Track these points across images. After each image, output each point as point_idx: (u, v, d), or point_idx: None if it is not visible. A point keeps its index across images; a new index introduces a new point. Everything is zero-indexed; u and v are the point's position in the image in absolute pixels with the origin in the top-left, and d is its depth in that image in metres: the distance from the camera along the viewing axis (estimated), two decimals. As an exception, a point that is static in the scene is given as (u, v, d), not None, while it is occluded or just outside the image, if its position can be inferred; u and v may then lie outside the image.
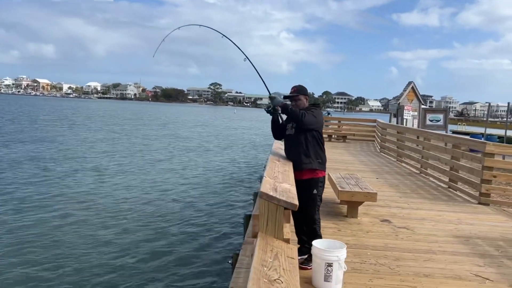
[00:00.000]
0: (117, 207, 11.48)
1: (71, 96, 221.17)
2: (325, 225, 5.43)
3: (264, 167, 13.94)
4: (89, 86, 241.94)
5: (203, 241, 9.20)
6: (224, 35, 5.75)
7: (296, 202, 2.58)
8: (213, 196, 13.57)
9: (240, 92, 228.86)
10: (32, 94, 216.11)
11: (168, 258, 8.11)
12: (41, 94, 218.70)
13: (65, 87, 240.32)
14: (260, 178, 11.80)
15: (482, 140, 12.26)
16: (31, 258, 7.74)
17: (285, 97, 4.56)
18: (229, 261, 5.99)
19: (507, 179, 8.76)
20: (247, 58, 5.27)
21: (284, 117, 4.68)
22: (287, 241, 2.49)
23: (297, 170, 4.22)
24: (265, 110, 4.69)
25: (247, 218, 6.73)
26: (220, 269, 7.66)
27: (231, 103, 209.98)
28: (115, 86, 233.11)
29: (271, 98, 4.53)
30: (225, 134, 40.80)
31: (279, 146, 5.53)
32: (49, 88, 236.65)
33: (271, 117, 4.68)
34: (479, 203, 7.88)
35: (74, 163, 18.26)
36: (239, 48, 5.44)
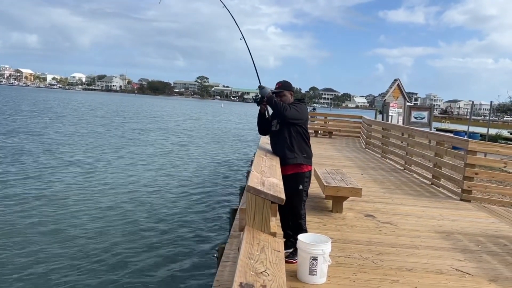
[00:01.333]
0: (99, 203, 11.37)
1: (55, 87, 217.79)
2: (310, 219, 5.48)
3: (251, 162, 13.98)
4: (73, 77, 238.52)
5: (188, 235, 9.20)
6: (224, 6, 5.71)
7: (283, 196, 2.61)
8: (199, 190, 13.55)
9: (227, 86, 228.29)
10: (15, 84, 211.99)
11: (153, 251, 8.08)
12: (24, 85, 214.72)
13: (49, 77, 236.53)
14: (247, 173, 11.84)
15: (465, 138, 12.48)
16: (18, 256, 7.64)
17: (272, 93, 4.56)
18: (215, 255, 6.02)
19: (489, 176, 8.96)
20: (243, 38, 5.28)
21: (271, 111, 4.68)
22: (273, 234, 2.52)
23: (282, 165, 4.23)
24: (253, 99, 4.70)
25: (233, 212, 6.78)
26: (206, 262, 7.68)
27: (218, 97, 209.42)
28: (101, 77, 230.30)
29: (260, 87, 4.54)
30: (212, 128, 40.70)
31: (266, 141, 5.55)
32: (32, 79, 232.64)
33: (258, 112, 4.69)
34: (461, 200, 8.04)
35: (54, 158, 18.01)
36: (237, 25, 5.44)
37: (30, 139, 22.26)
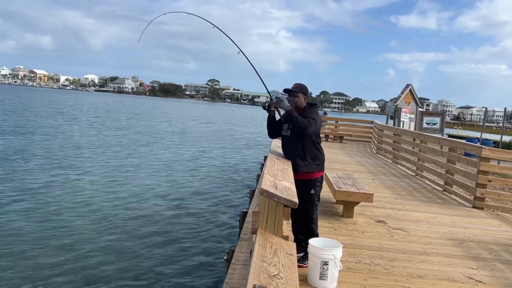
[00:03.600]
0: (110, 204, 11.47)
1: (68, 88, 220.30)
2: (320, 224, 5.46)
3: (262, 165, 13.96)
4: (86, 78, 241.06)
5: (198, 237, 9.22)
6: (215, 26, 5.59)
7: (296, 200, 2.61)
8: (209, 192, 13.59)
9: (237, 89, 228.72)
10: (29, 84, 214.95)
11: (163, 253, 8.12)
12: (37, 85, 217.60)
13: (62, 78, 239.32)
14: (257, 176, 11.83)
15: (478, 144, 12.34)
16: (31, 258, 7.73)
17: (285, 90, 4.52)
18: (225, 257, 6.02)
19: (502, 184, 8.84)
20: (241, 51, 5.19)
21: (281, 114, 4.62)
22: (286, 238, 2.52)
23: (293, 171, 4.21)
24: (262, 107, 4.67)
25: (243, 215, 6.77)
26: (215, 264, 7.69)
27: (229, 100, 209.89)
28: (113, 79, 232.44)
29: (277, 99, 4.42)
30: (223, 131, 40.80)
31: (278, 144, 5.55)
32: (46, 80, 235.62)
33: (267, 115, 4.66)
34: (474, 207, 7.95)
35: (65, 159, 18.22)
36: (232, 41, 5.33)
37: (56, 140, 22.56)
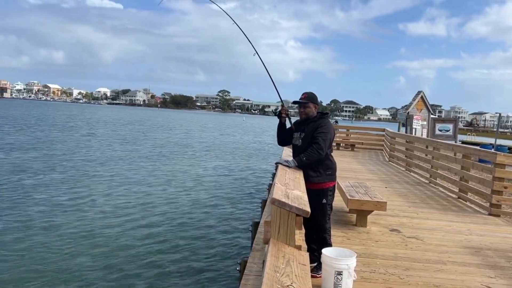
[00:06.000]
0: (126, 211, 11.53)
1: (81, 101, 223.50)
2: (333, 233, 5.40)
3: (273, 175, 13.93)
4: (98, 91, 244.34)
5: (211, 247, 9.20)
6: (234, 22, 5.68)
7: (308, 209, 2.59)
8: (221, 202, 13.59)
9: (248, 100, 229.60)
10: (43, 99, 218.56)
11: (175, 264, 8.12)
12: (51, 99, 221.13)
13: (75, 92, 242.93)
14: (269, 186, 11.80)
15: (492, 150, 12.16)
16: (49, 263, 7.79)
17: (294, 102, 4.49)
18: (237, 268, 5.99)
19: (518, 190, 8.66)
20: (256, 53, 5.24)
21: (292, 120, 4.61)
22: (298, 247, 2.50)
23: (305, 181, 4.18)
24: (273, 112, 4.67)
25: (255, 225, 6.75)
26: (228, 275, 7.66)
27: (239, 110, 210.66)
28: (125, 92, 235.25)
29: (281, 113, 4.46)
30: (234, 141, 40.88)
31: (289, 153, 5.54)
32: (59, 94, 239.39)
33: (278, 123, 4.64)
34: (490, 214, 7.80)
35: (89, 167, 18.41)
36: (249, 41, 5.41)
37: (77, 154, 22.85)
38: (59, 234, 9.43)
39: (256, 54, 5.22)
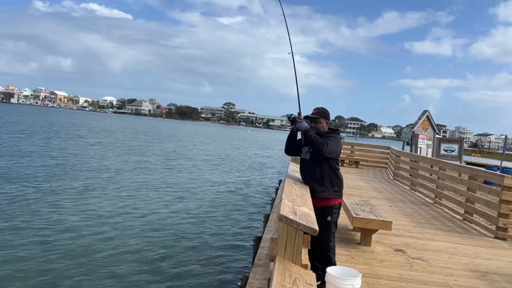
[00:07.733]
0: (127, 224, 11.46)
1: (87, 109, 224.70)
2: (337, 251, 5.30)
3: (276, 189, 13.82)
4: (105, 100, 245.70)
5: (211, 261, 9.09)
6: (283, 14, 5.84)
7: (316, 227, 2.54)
8: (223, 216, 13.48)
9: (252, 113, 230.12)
10: (49, 105, 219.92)
11: (176, 279, 8.01)
12: (57, 106, 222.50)
13: (81, 100, 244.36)
14: (272, 201, 11.71)
15: (498, 172, 12.05)
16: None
17: (306, 117, 4.45)
18: (238, 283, 5.89)
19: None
20: (292, 53, 5.31)
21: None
22: (305, 267, 2.44)
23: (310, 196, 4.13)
24: (287, 116, 4.66)
25: (258, 240, 6.66)
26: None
27: (244, 123, 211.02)
28: (131, 101, 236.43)
29: (296, 120, 4.41)
30: (239, 155, 40.85)
31: (295, 168, 5.48)
32: (65, 101, 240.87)
33: (288, 134, 4.63)
34: (496, 237, 7.68)
35: (90, 176, 18.41)
36: (289, 38, 5.49)
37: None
38: (58, 243, 9.36)
39: (290, 53, 5.29)
